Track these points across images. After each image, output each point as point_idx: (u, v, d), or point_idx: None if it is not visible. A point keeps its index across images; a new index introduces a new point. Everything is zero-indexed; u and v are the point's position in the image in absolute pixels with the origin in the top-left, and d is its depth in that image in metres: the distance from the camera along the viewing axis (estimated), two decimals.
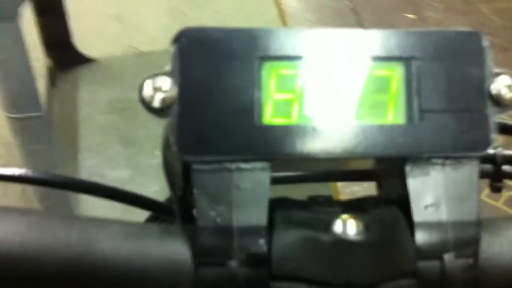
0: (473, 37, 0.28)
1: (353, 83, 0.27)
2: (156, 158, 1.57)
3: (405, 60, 0.27)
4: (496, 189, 0.34)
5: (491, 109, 0.27)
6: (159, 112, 0.26)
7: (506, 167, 0.34)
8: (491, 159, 0.34)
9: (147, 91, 0.26)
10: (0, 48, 1.09)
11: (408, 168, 0.27)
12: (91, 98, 1.68)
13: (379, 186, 0.31)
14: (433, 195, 0.26)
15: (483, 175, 0.34)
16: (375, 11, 0.80)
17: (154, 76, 0.26)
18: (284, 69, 0.26)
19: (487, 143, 0.27)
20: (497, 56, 0.81)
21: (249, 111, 0.26)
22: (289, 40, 0.27)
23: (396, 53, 0.27)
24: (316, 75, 0.27)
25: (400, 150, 0.27)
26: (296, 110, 0.26)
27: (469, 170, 0.27)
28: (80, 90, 1.70)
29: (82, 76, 1.74)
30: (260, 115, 0.26)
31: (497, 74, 0.28)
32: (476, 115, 0.27)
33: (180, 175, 0.27)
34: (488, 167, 0.34)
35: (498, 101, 0.27)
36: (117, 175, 1.49)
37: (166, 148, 0.28)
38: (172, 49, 0.26)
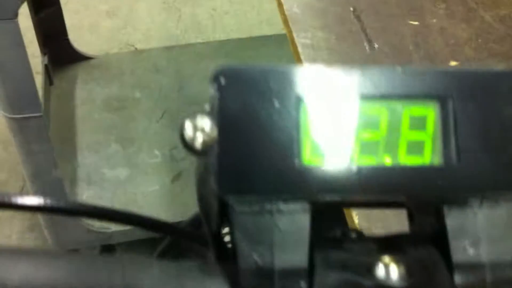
0: (509, 76, 0.28)
1: (389, 122, 0.27)
2: (155, 157, 1.57)
3: (441, 99, 0.27)
4: None
5: None
6: (201, 153, 0.26)
7: None
8: None
9: (189, 132, 0.26)
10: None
11: (446, 208, 0.27)
12: (88, 96, 1.68)
13: (410, 219, 0.32)
14: (472, 235, 0.27)
15: None
16: (379, 18, 0.80)
17: (194, 116, 0.26)
18: (321, 109, 0.27)
19: None
20: (501, 65, 0.81)
21: (289, 151, 0.26)
22: (327, 78, 0.27)
23: (432, 92, 0.27)
24: (354, 114, 0.27)
25: (438, 191, 0.27)
26: (334, 151, 0.26)
27: (507, 209, 0.27)
28: (77, 87, 1.69)
29: (79, 73, 1.73)
30: (299, 155, 0.26)
31: None
32: None
33: (217, 213, 0.27)
34: None
35: None
36: (116, 174, 1.49)
37: (202, 184, 0.28)
38: (210, 88, 0.26)
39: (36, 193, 1.28)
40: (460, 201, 0.27)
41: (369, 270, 0.26)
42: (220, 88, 0.26)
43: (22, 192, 1.56)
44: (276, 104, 0.26)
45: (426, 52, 0.80)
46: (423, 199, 0.27)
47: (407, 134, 0.27)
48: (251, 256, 0.25)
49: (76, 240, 1.34)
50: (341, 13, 0.84)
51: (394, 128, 0.27)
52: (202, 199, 0.29)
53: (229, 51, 1.85)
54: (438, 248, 0.27)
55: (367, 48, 0.80)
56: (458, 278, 0.26)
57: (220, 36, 2.04)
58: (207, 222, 0.29)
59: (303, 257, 0.26)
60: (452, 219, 0.27)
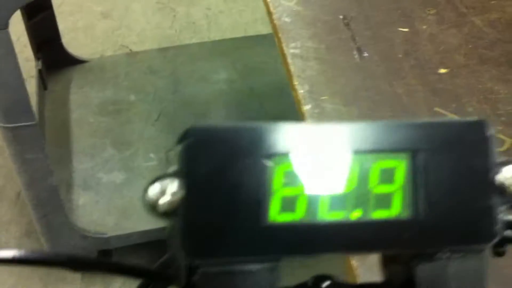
0: (478, 127, 0.27)
1: (358, 176, 0.27)
2: (151, 161, 1.57)
3: (410, 152, 0.27)
4: (498, 254, 0.34)
5: (495, 201, 0.27)
6: (164, 215, 0.25)
7: (509, 232, 0.34)
8: None
9: (152, 194, 0.25)
10: None
11: (415, 260, 0.27)
12: (83, 100, 1.67)
13: (384, 265, 0.31)
14: (441, 287, 0.27)
15: None
16: (369, 25, 0.80)
17: (160, 178, 0.26)
18: (290, 166, 0.26)
19: (492, 235, 0.27)
20: (491, 71, 0.80)
21: (256, 210, 0.26)
22: (294, 136, 0.26)
23: (401, 145, 0.27)
24: (321, 170, 0.26)
25: (407, 245, 0.27)
26: (303, 207, 0.26)
27: (476, 262, 0.27)
28: (72, 91, 1.69)
29: (73, 77, 1.73)
30: (267, 214, 0.26)
31: (502, 164, 0.27)
32: (481, 207, 0.27)
33: (185, 270, 0.27)
34: None
35: (503, 192, 0.27)
36: (112, 179, 1.49)
37: (171, 243, 0.28)
38: (178, 149, 0.26)
39: (31, 200, 1.29)
40: (429, 254, 0.27)
41: None
42: (188, 148, 0.26)
43: (18, 199, 1.57)
44: (244, 163, 0.26)
45: (416, 59, 0.80)
46: (392, 253, 0.27)
47: (377, 188, 0.26)
48: None
49: (72, 245, 1.35)
50: (331, 21, 0.84)
51: (363, 182, 0.26)
52: (172, 254, 0.29)
53: (224, 51, 1.84)
54: None
55: (356, 57, 0.79)
56: None
57: (215, 35, 2.03)
58: (177, 275, 0.29)
59: None
60: (422, 271, 0.27)
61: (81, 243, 1.35)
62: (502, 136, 0.71)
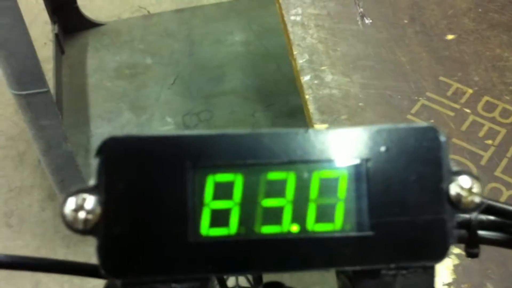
0: (430, 133, 0.25)
1: (296, 188, 0.24)
2: (168, 125, 1.57)
3: (353, 161, 0.24)
4: (471, 254, 0.32)
5: (449, 213, 0.25)
6: (83, 232, 0.24)
7: (482, 232, 0.32)
8: (466, 224, 0.31)
9: (69, 210, 0.23)
10: (0, 27, 1.08)
11: (357, 277, 0.25)
12: (100, 64, 1.68)
13: (336, 275, 0.30)
14: None
15: (458, 240, 0.32)
16: None
17: (76, 193, 0.24)
18: (219, 177, 0.24)
19: (444, 251, 0.25)
20: (500, 37, 0.76)
21: (182, 225, 0.24)
22: (223, 145, 0.24)
23: (343, 154, 0.25)
24: (254, 181, 0.24)
25: (348, 261, 0.24)
26: (235, 221, 0.24)
27: (424, 280, 0.25)
28: (88, 56, 1.69)
29: (89, 41, 1.72)
30: (194, 229, 0.24)
31: (456, 174, 0.25)
32: (432, 219, 0.25)
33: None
34: (463, 232, 0.32)
35: (456, 204, 0.25)
36: None
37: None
38: (95, 162, 0.24)
39: (49, 166, 1.31)
40: (374, 270, 0.25)
41: None
42: (106, 161, 0.24)
43: (40, 164, 1.60)
44: (169, 175, 0.24)
45: (422, 25, 0.76)
46: (333, 269, 0.25)
47: (316, 200, 0.24)
48: None
49: None
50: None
51: (302, 194, 0.24)
52: None
53: (240, 11, 1.81)
54: None
55: (360, 23, 0.76)
56: None
57: None
58: None
59: None
60: None
61: None
62: (509, 107, 0.68)
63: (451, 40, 0.74)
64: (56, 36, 1.64)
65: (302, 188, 0.24)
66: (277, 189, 0.24)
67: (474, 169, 0.63)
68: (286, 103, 1.61)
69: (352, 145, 0.25)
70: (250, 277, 0.76)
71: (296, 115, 1.57)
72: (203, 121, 1.58)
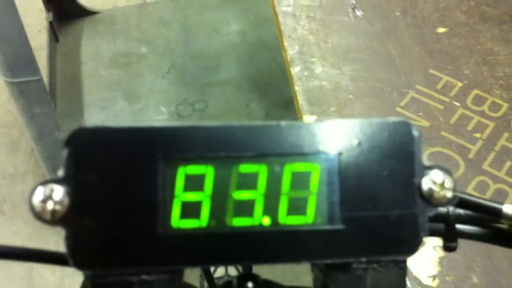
0: (403, 128, 0.25)
1: (268, 181, 0.24)
2: (162, 114, 1.57)
3: (324, 155, 0.24)
4: (449, 248, 0.32)
5: (421, 207, 0.25)
6: (52, 223, 0.23)
7: (459, 226, 0.32)
8: (443, 217, 0.31)
9: (37, 201, 0.23)
10: None
11: (328, 270, 0.25)
12: (94, 52, 1.67)
13: (311, 269, 0.30)
14: None
15: (435, 234, 0.32)
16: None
17: (44, 183, 0.24)
18: (190, 169, 0.24)
19: (415, 246, 0.25)
20: (492, 30, 0.76)
21: (152, 217, 0.24)
22: (195, 137, 0.24)
23: (316, 147, 0.24)
24: (226, 173, 0.24)
25: (319, 255, 0.25)
26: (206, 213, 0.24)
27: (396, 274, 0.25)
28: (83, 44, 1.68)
29: (84, 29, 1.72)
30: (165, 221, 0.24)
31: (428, 168, 0.25)
32: (404, 214, 0.25)
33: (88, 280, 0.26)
34: (441, 226, 0.32)
35: (428, 199, 0.25)
36: None
37: None
38: (63, 153, 0.24)
39: (41, 154, 1.31)
40: (344, 264, 0.25)
41: None
42: (74, 152, 0.24)
43: (33, 151, 1.60)
44: (139, 166, 0.24)
45: (414, 17, 0.76)
46: (304, 262, 0.25)
47: (288, 193, 0.24)
48: None
49: None
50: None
51: (274, 187, 0.24)
52: None
53: (236, 0, 1.80)
54: None
55: (351, 15, 0.76)
56: None
57: None
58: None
59: None
60: (335, 282, 0.25)
61: None
62: (499, 101, 0.68)
63: (442, 33, 0.74)
64: (50, 23, 1.63)
65: (274, 181, 0.24)
66: (248, 182, 0.24)
67: (461, 163, 0.63)
68: (280, 94, 1.61)
69: (325, 138, 0.25)
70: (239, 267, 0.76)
71: (291, 105, 1.57)
72: (197, 111, 1.58)
